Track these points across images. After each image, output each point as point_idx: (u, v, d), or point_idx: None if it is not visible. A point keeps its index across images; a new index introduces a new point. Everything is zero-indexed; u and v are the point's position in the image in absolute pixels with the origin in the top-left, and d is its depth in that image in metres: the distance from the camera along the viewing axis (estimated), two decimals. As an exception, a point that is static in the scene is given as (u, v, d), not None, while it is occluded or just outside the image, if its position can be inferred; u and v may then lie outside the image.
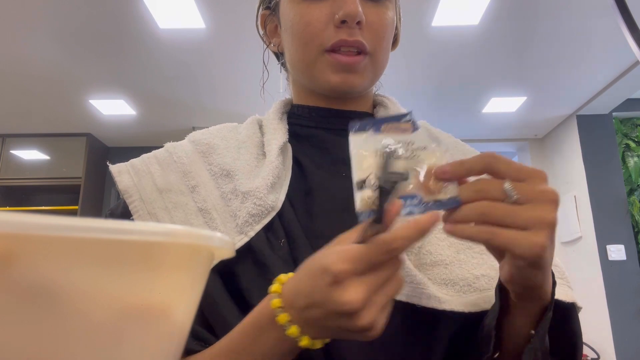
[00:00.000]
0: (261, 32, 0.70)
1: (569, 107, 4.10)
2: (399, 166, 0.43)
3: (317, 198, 0.57)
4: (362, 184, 0.42)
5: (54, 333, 0.16)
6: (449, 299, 0.51)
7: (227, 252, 0.19)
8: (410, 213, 0.41)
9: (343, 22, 0.56)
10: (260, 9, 0.69)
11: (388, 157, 0.43)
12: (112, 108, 3.91)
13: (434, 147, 0.45)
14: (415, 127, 0.46)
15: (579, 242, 4.09)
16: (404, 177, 0.41)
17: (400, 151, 0.44)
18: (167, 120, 4.18)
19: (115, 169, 0.59)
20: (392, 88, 0.76)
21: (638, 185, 4.22)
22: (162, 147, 0.64)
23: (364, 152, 0.44)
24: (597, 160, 4.08)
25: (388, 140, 0.45)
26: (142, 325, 0.18)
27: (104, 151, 4.63)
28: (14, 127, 4.23)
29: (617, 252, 3.86)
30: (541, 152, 4.80)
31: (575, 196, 4.17)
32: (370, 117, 0.65)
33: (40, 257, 0.15)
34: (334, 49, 0.57)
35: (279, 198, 0.55)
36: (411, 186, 0.42)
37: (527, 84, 3.63)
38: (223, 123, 0.68)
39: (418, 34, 2.89)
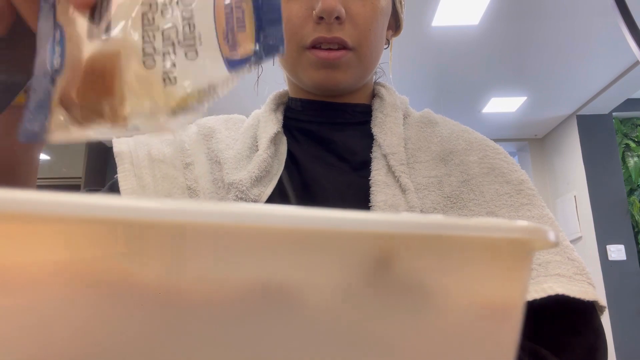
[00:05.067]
0: None
1: (569, 107, 4.10)
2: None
3: (311, 192, 0.56)
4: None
5: (424, 329, 0.17)
6: None
7: (549, 245, 0.18)
8: None
9: (321, 18, 0.53)
10: None
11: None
12: (112, 108, 3.91)
13: None
14: None
15: (579, 242, 4.09)
16: None
17: None
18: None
19: (117, 139, 0.60)
20: (392, 88, 0.75)
21: (638, 185, 4.22)
22: None
23: None
24: (597, 160, 4.08)
25: None
26: (494, 324, 0.18)
27: (104, 151, 4.63)
28: (14, 127, 4.23)
29: (617, 252, 3.86)
30: (541, 152, 4.80)
31: (575, 196, 4.17)
32: (367, 108, 0.63)
33: (414, 256, 0.16)
34: (314, 46, 0.54)
35: (264, 192, 0.54)
36: None
37: (527, 84, 3.63)
38: None
39: (418, 34, 2.89)
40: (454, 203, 0.54)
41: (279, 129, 0.59)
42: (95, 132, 0.24)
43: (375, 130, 0.59)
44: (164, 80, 0.23)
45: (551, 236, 0.17)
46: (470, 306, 0.17)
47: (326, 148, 0.59)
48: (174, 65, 0.23)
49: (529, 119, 4.29)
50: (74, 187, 4.26)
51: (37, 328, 0.13)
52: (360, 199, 0.54)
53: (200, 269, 0.14)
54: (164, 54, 0.23)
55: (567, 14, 2.73)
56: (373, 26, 0.56)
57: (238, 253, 0.15)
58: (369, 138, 0.59)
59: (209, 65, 0.24)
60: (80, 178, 4.26)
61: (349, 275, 0.16)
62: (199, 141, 0.60)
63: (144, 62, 0.23)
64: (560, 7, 2.67)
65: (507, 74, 3.48)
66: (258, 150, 0.57)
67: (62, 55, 0.25)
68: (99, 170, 4.49)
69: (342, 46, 0.54)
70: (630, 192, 4.18)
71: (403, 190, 0.53)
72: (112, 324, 0.14)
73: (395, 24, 0.64)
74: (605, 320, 3.72)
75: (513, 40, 3.01)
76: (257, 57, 0.24)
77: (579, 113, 4.13)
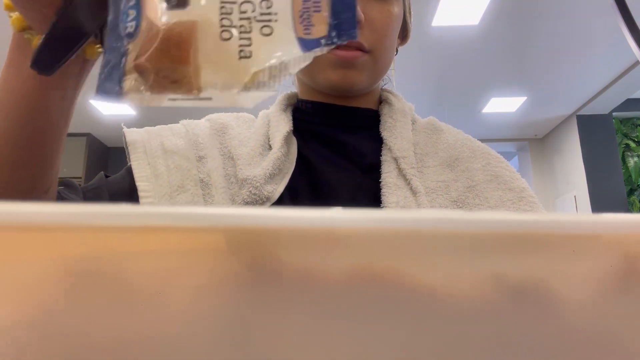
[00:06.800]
0: None
1: (569, 107, 4.10)
2: None
3: (322, 192, 0.57)
4: None
5: None
6: None
7: None
8: None
9: None
10: None
11: None
12: (112, 108, 3.91)
13: None
14: None
15: (579, 242, 4.10)
16: None
17: None
18: (167, 121, 4.15)
19: (128, 129, 0.60)
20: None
21: (638, 185, 4.22)
22: None
23: None
24: (597, 160, 4.08)
25: None
26: None
27: (104, 151, 4.62)
28: (14, 127, 4.23)
29: (617, 252, 3.87)
30: (541, 152, 4.80)
31: (575, 196, 4.17)
32: (376, 113, 0.65)
33: None
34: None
35: (276, 189, 0.55)
36: None
37: (527, 84, 3.63)
38: None
39: (418, 34, 2.89)
40: (460, 208, 0.56)
41: (291, 128, 0.60)
42: (168, 99, 0.24)
43: (385, 134, 0.61)
44: (240, 53, 0.23)
45: None
46: None
47: (336, 150, 0.60)
48: (249, 40, 0.23)
49: (529, 119, 4.29)
50: (74, 187, 4.26)
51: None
52: (371, 200, 0.56)
53: (449, 270, 0.16)
54: (240, 28, 0.23)
55: (568, 15, 2.73)
56: (388, 32, 0.58)
57: (501, 257, 0.16)
58: (378, 141, 0.61)
59: (283, 42, 0.24)
60: (80, 178, 4.26)
61: (601, 276, 0.16)
62: (212, 136, 0.62)
63: (220, 35, 0.23)
64: (561, 8, 2.67)
65: (507, 74, 3.48)
66: (271, 148, 0.58)
67: (137, 19, 0.25)
68: (99, 170, 4.49)
69: (359, 48, 0.56)
70: (630, 192, 4.18)
71: (414, 193, 0.55)
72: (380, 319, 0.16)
73: (402, 33, 0.66)
74: (605, 320, 3.73)
75: (513, 40, 3.01)
76: (330, 40, 0.24)
77: (579, 113, 4.13)
